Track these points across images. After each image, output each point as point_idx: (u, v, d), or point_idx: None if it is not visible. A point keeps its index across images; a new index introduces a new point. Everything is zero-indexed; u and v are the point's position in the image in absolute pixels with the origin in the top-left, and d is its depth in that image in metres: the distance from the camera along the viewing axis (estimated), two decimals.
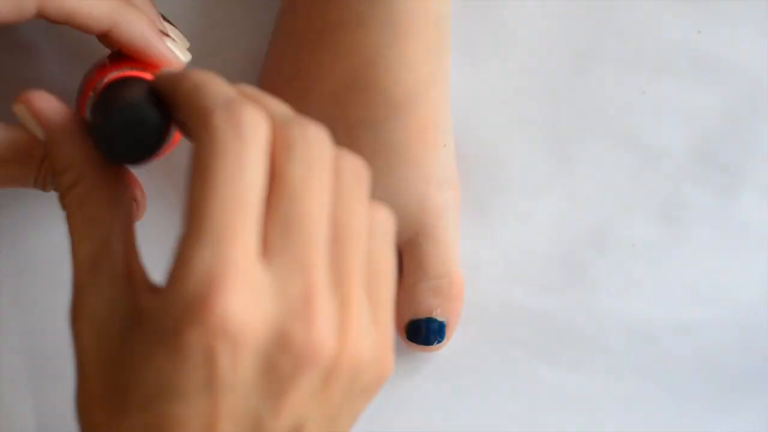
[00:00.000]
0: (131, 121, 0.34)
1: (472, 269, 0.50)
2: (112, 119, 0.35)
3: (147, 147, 0.35)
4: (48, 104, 0.36)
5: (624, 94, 0.51)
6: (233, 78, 0.50)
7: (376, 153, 0.47)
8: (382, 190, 0.47)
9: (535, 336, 0.51)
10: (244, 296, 0.31)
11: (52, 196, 0.38)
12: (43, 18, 0.43)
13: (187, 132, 0.35)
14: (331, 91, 0.47)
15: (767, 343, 0.51)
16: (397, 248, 0.49)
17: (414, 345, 0.49)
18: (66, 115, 0.36)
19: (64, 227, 0.36)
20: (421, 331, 0.49)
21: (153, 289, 0.34)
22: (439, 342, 0.49)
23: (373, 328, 0.35)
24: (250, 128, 0.32)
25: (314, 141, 0.34)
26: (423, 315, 0.49)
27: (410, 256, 0.48)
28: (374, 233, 0.35)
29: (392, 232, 0.36)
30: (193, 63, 0.50)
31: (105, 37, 0.42)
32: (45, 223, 0.49)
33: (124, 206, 0.36)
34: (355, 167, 0.35)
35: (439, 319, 0.49)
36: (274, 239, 0.32)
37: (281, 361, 0.32)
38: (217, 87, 0.34)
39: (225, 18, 0.51)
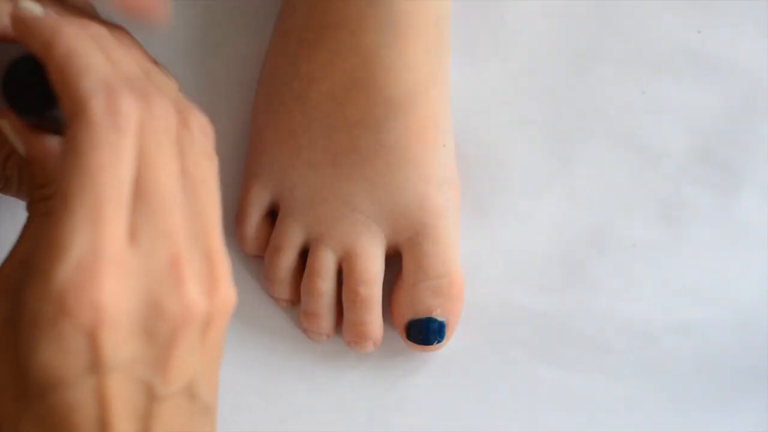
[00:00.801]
0: (15, 71, 0.34)
1: (472, 269, 0.50)
2: (4, 74, 0.35)
3: (40, 95, 0.34)
4: (24, 122, 0.36)
5: (624, 94, 0.51)
6: (233, 78, 0.51)
7: (375, 153, 0.47)
8: (382, 190, 0.47)
9: (535, 336, 0.51)
10: (116, 280, 0.32)
11: None
12: None
13: (60, 100, 0.35)
14: (330, 91, 0.47)
15: (767, 343, 0.51)
16: (397, 248, 0.49)
17: (414, 345, 0.49)
18: (39, 135, 0.36)
19: None
20: (421, 331, 0.49)
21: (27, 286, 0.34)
22: (439, 342, 0.49)
23: None
24: (126, 119, 0.33)
25: (159, 113, 0.34)
26: (423, 315, 0.49)
27: (410, 256, 0.48)
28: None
29: (211, 144, 0.37)
30: (194, 63, 0.50)
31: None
32: None
33: None
34: (201, 123, 0.36)
35: (439, 319, 0.49)
36: (137, 217, 0.33)
37: (159, 330, 0.33)
38: (92, 62, 0.33)
39: (225, 18, 0.51)
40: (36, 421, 0.33)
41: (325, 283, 0.49)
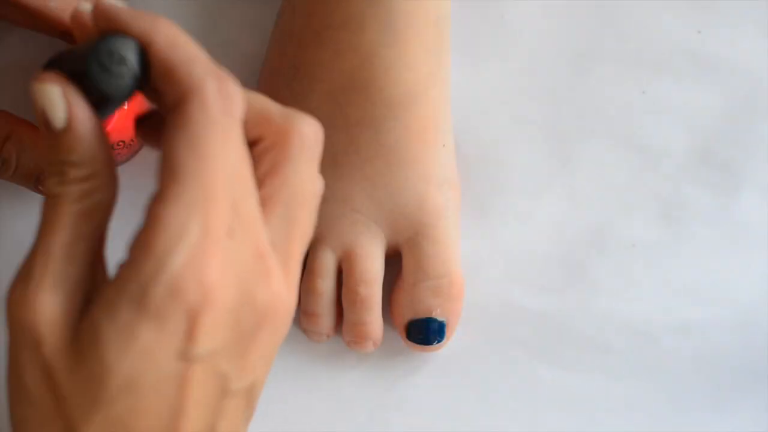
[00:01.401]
0: (112, 49, 0.33)
1: (472, 269, 0.50)
2: (95, 49, 0.33)
3: (133, 75, 0.33)
4: (77, 92, 0.33)
5: (624, 94, 0.51)
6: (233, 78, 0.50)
7: (375, 153, 0.47)
8: (381, 190, 0.47)
9: (535, 336, 0.51)
10: (221, 265, 0.32)
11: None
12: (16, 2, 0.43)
13: (165, 85, 0.34)
14: (330, 91, 0.47)
15: (767, 343, 0.51)
16: (397, 248, 0.49)
17: (414, 345, 0.49)
18: (90, 108, 0.34)
19: None
20: (421, 331, 0.49)
21: (133, 265, 0.33)
22: (438, 342, 0.49)
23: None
24: (237, 105, 0.33)
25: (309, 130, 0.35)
26: (423, 315, 0.49)
27: (410, 256, 0.48)
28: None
29: (319, 195, 0.37)
30: None
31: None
32: None
33: (113, 205, 0.35)
34: (313, 131, 0.36)
35: (439, 319, 0.49)
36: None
37: (247, 320, 0.33)
38: (197, 52, 0.34)
39: (225, 18, 0.51)
40: (106, 423, 0.32)
41: (324, 283, 0.49)
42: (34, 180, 0.45)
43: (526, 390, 0.50)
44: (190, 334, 0.32)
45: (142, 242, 0.32)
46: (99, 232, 0.34)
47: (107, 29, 0.33)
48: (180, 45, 0.33)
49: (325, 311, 0.49)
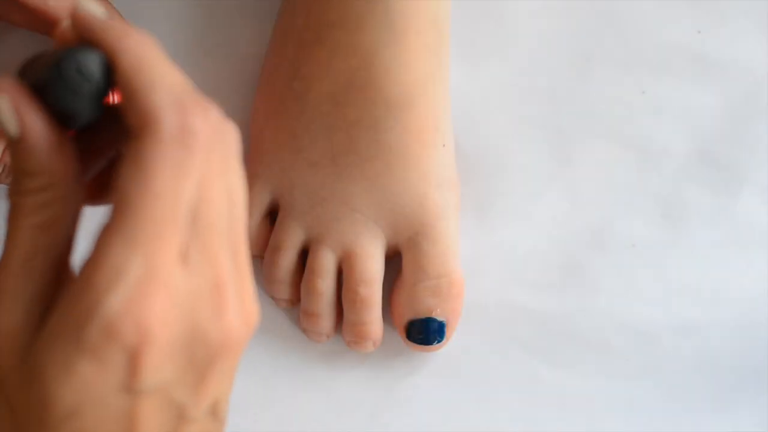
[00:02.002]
0: (77, 65, 0.32)
1: (472, 269, 0.50)
2: (59, 62, 0.32)
3: (96, 92, 0.32)
4: (31, 103, 0.32)
5: (624, 94, 0.51)
6: (233, 78, 0.51)
7: (375, 153, 0.47)
8: (381, 190, 0.47)
9: (535, 336, 0.51)
10: (165, 304, 0.31)
11: None
12: None
13: (126, 110, 0.33)
14: (329, 91, 0.47)
15: (767, 343, 0.51)
16: (397, 248, 0.49)
17: (414, 345, 0.49)
18: (48, 120, 0.33)
19: None
20: (421, 331, 0.49)
21: (72, 298, 0.32)
22: (438, 342, 0.49)
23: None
24: (196, 138, 0.31)
25: (217, 127, 0.32)
26: (423, 315, 0.49)
27: (410, 256, 0.48)
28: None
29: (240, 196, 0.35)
30: (194, 63, 0.50)
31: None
32: None
33: (77, 218, 0.34)
34: (232, 137, 0.33)
35: (439, 318, 0.49)
36: (191, 238, 0.32)
37: (198, 354, 0.32)
38: (162, 73, 0.32)
39: (225, 18, 0.51)
40: None
41: (324, 283, 0.49)
42: None
43: (526, 390, 0.50)
44: (133, 369, 0.31)
45: (83, 276, 0.31)
46: (62, 245, 0.33)
47: (81, 39, 0.32)
48: (146, 67, 0.32)
49: (325, 311, 0.49)
